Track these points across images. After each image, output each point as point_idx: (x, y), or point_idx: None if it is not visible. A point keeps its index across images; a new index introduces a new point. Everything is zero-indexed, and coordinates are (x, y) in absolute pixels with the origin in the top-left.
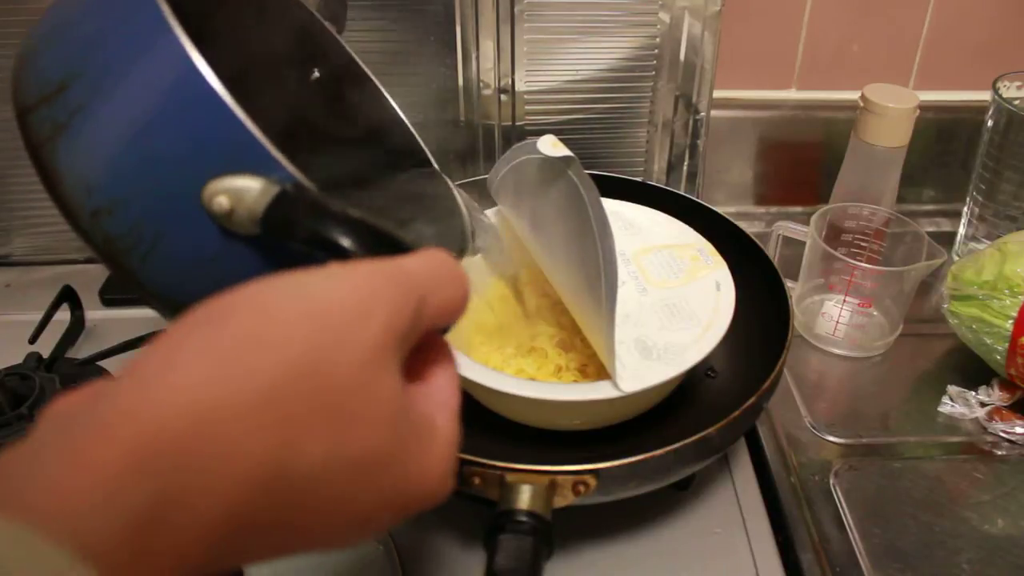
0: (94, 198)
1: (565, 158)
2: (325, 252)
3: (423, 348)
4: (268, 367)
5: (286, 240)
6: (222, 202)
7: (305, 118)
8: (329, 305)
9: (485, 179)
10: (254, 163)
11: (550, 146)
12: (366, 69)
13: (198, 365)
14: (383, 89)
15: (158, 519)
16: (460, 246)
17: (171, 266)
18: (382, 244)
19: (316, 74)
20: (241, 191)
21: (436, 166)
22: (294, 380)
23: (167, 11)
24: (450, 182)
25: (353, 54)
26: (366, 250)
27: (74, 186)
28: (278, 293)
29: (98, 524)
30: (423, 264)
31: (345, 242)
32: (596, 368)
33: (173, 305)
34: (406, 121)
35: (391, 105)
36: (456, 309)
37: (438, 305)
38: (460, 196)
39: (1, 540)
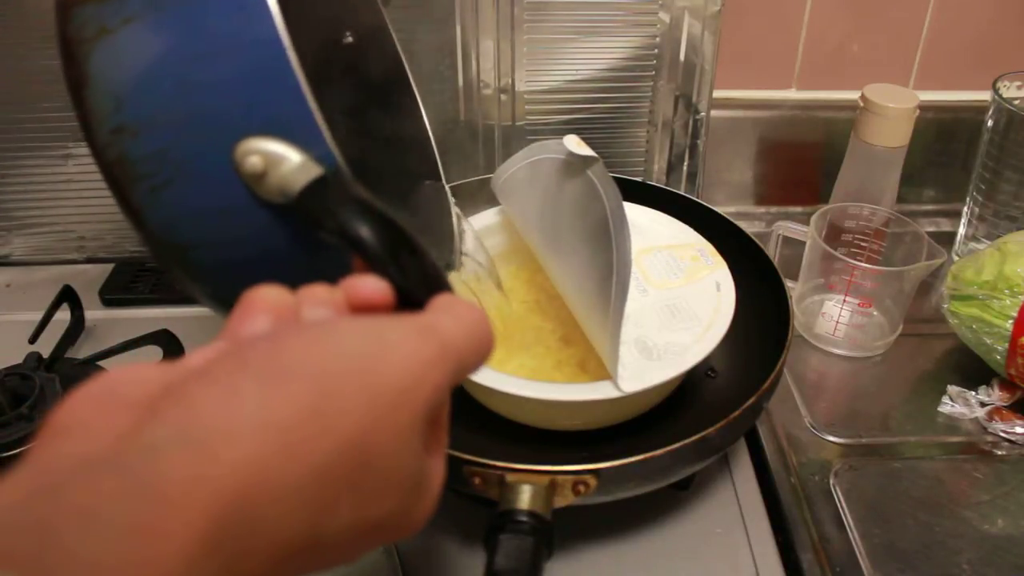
0: (121, 114)
1: (590, 158)
2: (347, 244)
3: None
4: (323, 448)
5: (312, 224)
6: (255, 163)
7: (340, 98)
8: (383, 379)
9: (484, 179)
10: (301, 135)
11: (575, 145)
12: (408, 73)
13: (260, 438)
14: (417, 93)
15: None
16: (446, 262)
17: (178, 208)
18: (408, 254)
19: (349, 38)
20: (278, 159)
21: (444, 180)
22: (341, 459)
23: None
24: (450, 197)
25: (399, 49)
26: (391, 257)
27: (102, 95)
28: (336, 358)
29: None
30: (462, 329)
31: (374, 245)
32: (596, 364)
33: (165, 245)
34: (428, 127)
35: (420, 111)
36: (481, 366)
37: (469, 368)
38: (456, 213)
39: None
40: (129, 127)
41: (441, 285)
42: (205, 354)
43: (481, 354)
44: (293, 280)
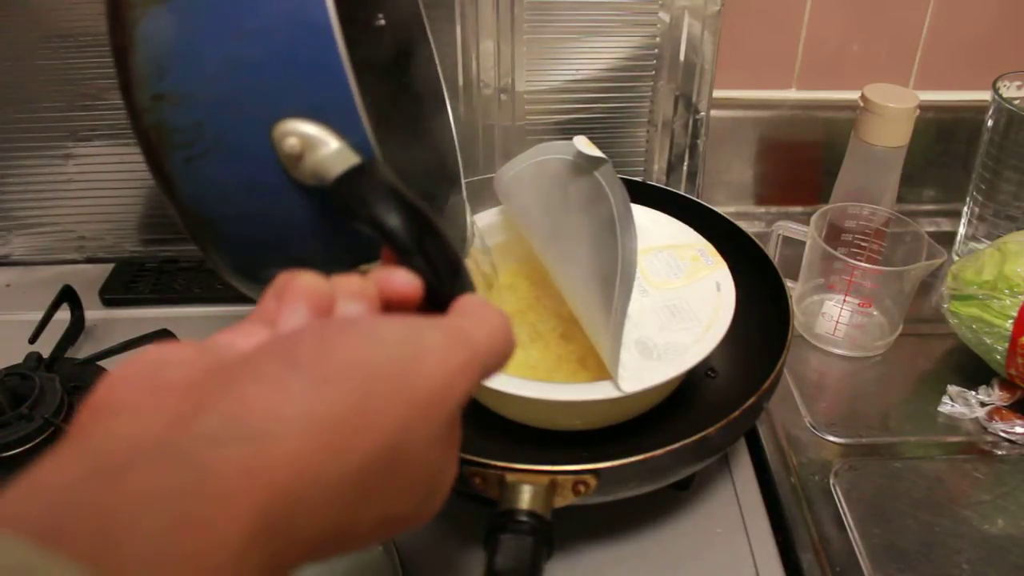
0: (164, 82)
1: (599, 159)
2: (379, 233)
3: None
4: (362, 448)
5: (345, 211)
6: (293, 144)
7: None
8: (420, 383)
9: (485, 179)
10: (341, 122)
11: (584, 145)
12: (436, 60)
13: (307, 436)
14: (445, 91)
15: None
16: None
17: (211, 180)
18: (436, 246)
19: (381, 21)
20: (316, 143)
21: (462, 177)
22: (378, 459)
23: None
24: (464, 192)
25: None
26: (420, 249)
27: (147, 61)
28: (379, 362)
29: None
30: (488, 334)
31: (404, 235)
32: (595, 361)
33: (193, 215)
34: (451, 116)
35: (446, 108)
36: (501, 369)
37: (492, 372)
38: (468, 209)
39: None
40: (170, 96)
41: (464, 280)
42: (244, 338)
43: (503, 358)
44: (316, 260)
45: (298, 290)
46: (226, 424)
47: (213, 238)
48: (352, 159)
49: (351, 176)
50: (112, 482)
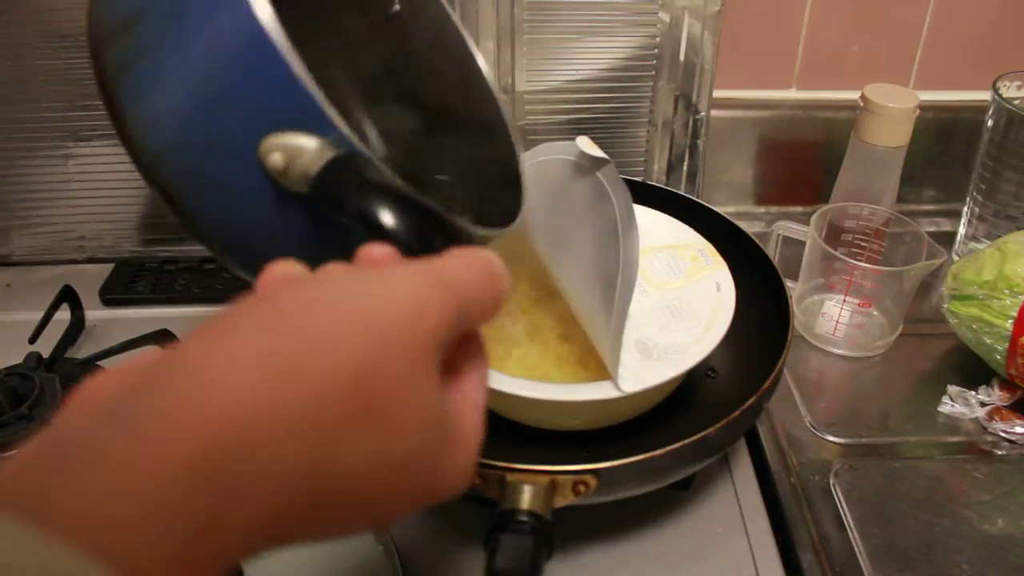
0: (157, 141)
1: (602, 159)
2: (370, 231)
3: (460, 344)
4: (315, 369)
5: (332, 208)
6: (277, 159)
7: (389, 66)
8: (381, 306)
9: None
10: (314, 124)
11: (587, 146)
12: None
13: (248, 368)
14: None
15: (206, 529)
16: (512, 216)
17: (224, 214)
18: (432, 227)
19: (396, 7)
20: (297, 150)
21: (512, 133)
22: (340, 386)
23: None
24: (520, 150)
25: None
26: (413, 235)
27: (136, 125)
28: (332, 291)
29: (143, 535)
30: (468, 269)
31: (393, 225)
32: (595, 361)
33: (200, 232)
34: (489, 79)
35: (479, 64)
36: (495, 310)
37: (479, 310)
38: (522, 164)
39: (16, 548)
40: (166, 152)
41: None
42: None
43: (490, 293)
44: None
45: (276, 272)
46: (165, 374)
47: (227, 257)
48: (329, 154)
49: (325, 172)
50: (59, 445)
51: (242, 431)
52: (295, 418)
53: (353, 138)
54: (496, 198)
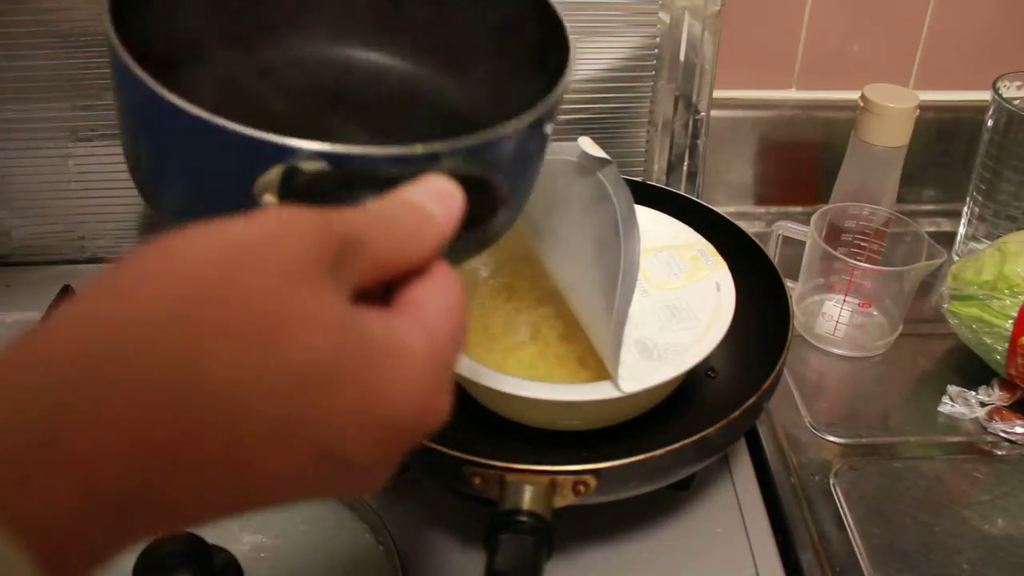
0: (156, 207)
1: (604, 160)
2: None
3: (412, 278)
4: (174, 279)
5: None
6: (269, 199)
7: None
8: (238, 229)
9: None
10: (269, 156)
11: (589, 146)
12: None
13: (105, 293)
14: None
15: (56, 435)
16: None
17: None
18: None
19: None
20: (275, 183)
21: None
22: (201, 295)
23: (128, 58)
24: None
25: None
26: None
27: (142, 186)
28: (190, 230)
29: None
30: (373, 208)
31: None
32: (595, 360)
33: None
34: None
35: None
36: (415, 245)
37: (386, 246)
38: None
39: None
40: (177, 216)
41: None
42: None
43: (403, 227)
44: None
45: None
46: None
47: None
48: (314, 168)
49: (282, 187)
50: None
51: (92, 337)
52: (151, 322)
53: (301, 146)
54: (540, 59)
